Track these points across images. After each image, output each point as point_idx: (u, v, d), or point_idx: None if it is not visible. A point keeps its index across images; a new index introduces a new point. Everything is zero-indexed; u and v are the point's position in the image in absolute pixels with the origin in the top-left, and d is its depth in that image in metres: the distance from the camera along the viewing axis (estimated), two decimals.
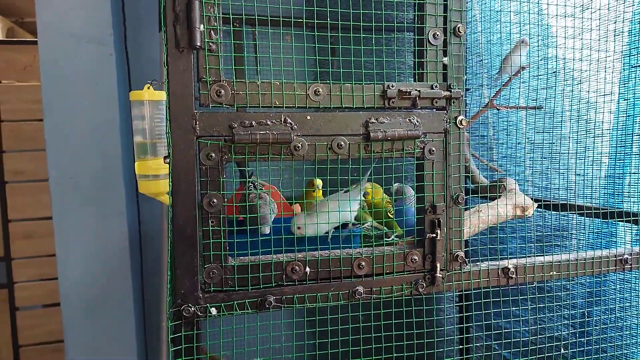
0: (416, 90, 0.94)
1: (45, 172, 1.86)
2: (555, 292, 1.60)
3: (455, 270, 1.00)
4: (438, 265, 0.97)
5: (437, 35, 0.96)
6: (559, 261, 1.07)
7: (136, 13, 2.02)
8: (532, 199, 1.26)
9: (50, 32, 1.82)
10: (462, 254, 1.00)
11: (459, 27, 0.96)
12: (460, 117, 0.97)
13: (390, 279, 0.97)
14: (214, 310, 0.88)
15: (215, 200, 0.87)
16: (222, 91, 0.86)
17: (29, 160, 2.61)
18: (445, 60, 0.97)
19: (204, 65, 0.85)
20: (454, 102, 0.97)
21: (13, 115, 2.58)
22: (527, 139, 1.69)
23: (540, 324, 1.50)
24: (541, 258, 1.06)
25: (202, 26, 0.83)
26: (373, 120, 0.93)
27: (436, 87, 0.96)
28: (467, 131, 1.54)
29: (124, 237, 1.94)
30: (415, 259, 0.98)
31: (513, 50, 1.40)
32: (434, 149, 0.97)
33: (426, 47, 0.96)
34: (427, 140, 0.97)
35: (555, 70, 1.47)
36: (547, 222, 1.66)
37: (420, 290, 0.98)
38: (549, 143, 1.55)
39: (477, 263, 1.04)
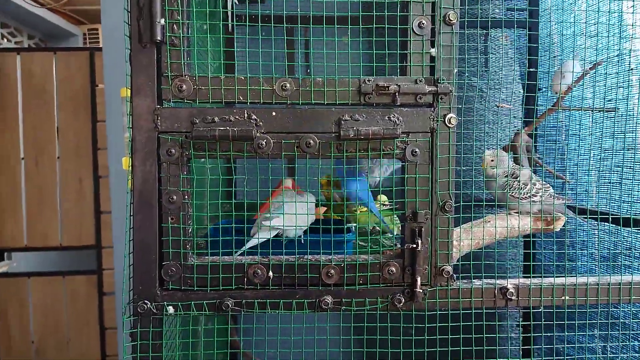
0: (396, 85, 0.86)
1: None
2: (623, 319, 1.39)
3: (440, 286, 0.90)
4: (418, 279, 0.88)
5: (423, 24, 0.86)
6: (574, 284, 0.91)
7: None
8: (567, 208, 1.10)
9: (113, 38, 1.95)
10: (449, 268, 0.89)
11: (449, 15, 0.86)
12: (449, 115, 0.87)
13: (363, 291, 0.89)
14: (170, 309, 0.86)
15: (174, 197, 0.85)
16: (184, 86, 0.84)
17: None
18: (433, 51, 0.87)
19: (166, 59, 0.84)
20: (442, 99, 0.87)
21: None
22: (600, 145, 1.48)
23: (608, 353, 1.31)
24: (550, 279, 0.91)
25: (162, 20, 0.82)
26: (347, 118, 0.86)
27: (421, 81, 0.86)
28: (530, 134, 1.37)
29: None
30: (392, 271, 0.89)
31: (564, 67, 1.24)
32: (417, 150, 0.87)
33: (410, 37, 0.86)
34: (409, 140, 0.87)
35: (632, 67, 1.26)
36: (618, 239, 1.44)
37: (397, 305, 0.89)
38: (623, 150, 1.35)
39: (470, 280, 0.92)
